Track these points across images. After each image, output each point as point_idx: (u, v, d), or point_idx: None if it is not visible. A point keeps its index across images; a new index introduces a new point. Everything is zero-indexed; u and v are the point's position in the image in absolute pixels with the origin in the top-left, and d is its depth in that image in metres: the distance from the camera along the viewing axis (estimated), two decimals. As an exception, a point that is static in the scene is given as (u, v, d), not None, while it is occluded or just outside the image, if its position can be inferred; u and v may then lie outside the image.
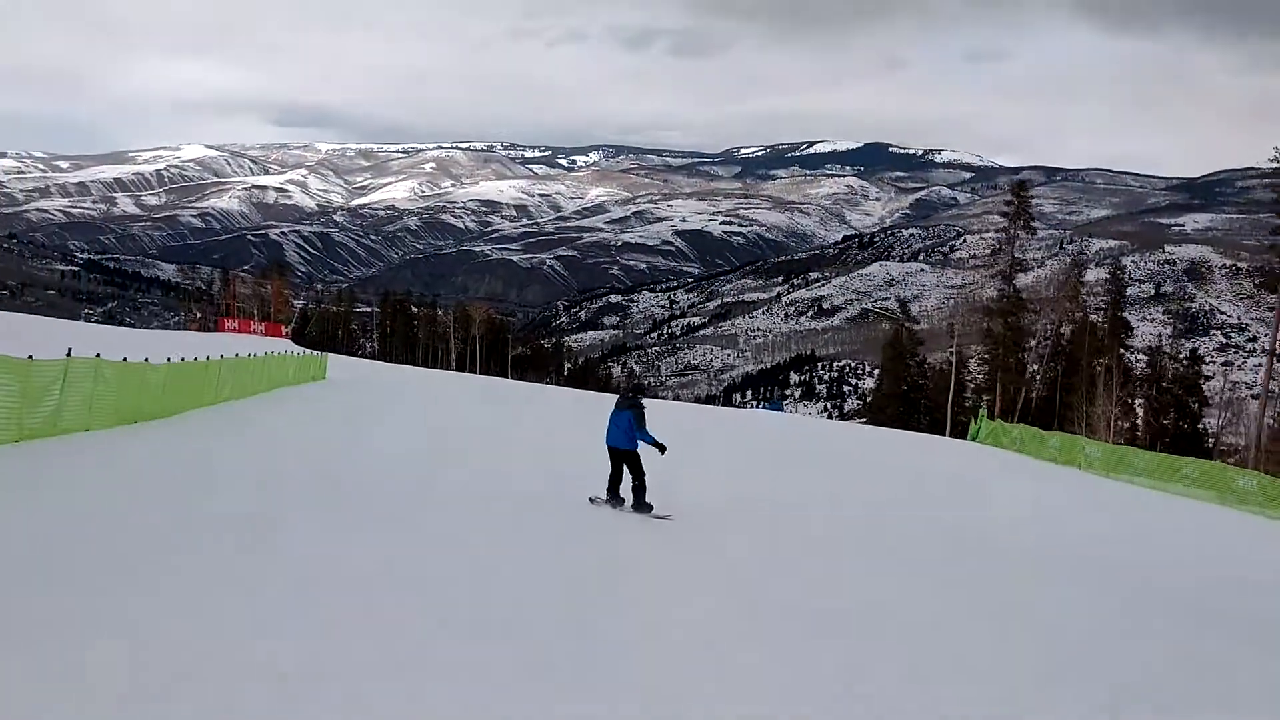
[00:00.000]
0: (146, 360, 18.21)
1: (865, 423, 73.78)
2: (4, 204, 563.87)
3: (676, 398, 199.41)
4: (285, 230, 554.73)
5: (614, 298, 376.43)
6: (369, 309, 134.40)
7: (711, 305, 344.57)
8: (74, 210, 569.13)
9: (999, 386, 59.72)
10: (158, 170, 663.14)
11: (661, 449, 13.53)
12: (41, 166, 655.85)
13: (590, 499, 13.98)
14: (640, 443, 13.52)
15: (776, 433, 37.82)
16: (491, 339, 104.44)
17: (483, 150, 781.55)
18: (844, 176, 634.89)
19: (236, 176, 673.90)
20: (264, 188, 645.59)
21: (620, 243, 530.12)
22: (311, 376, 38.65)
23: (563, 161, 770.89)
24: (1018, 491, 26.63)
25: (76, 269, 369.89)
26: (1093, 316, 63.55)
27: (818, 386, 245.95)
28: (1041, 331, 62.67)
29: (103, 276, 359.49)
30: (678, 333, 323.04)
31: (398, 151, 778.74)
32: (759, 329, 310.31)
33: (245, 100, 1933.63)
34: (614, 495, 13.70)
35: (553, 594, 8.58)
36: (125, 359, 17.06)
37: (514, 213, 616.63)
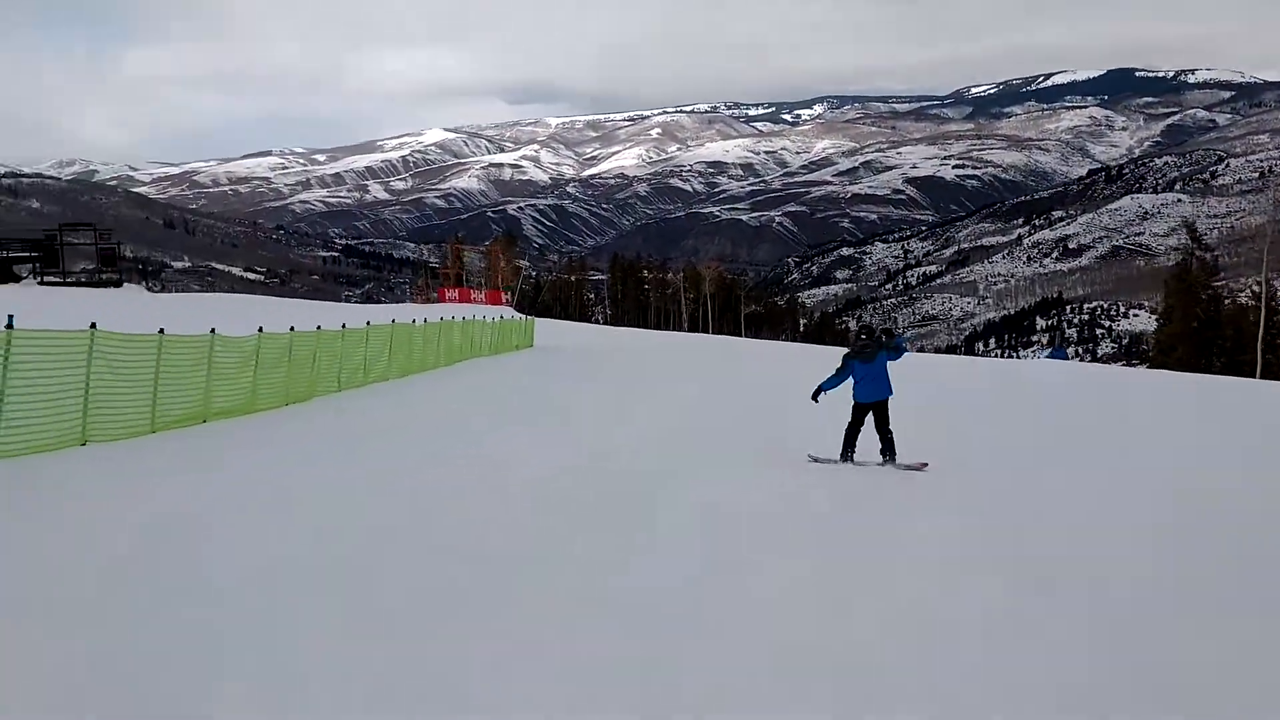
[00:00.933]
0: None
1: (1147, 367, 64.04)
2: (271, 198, 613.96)
3: (920, 349, 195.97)
4: (522, 205, 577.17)
5: (845, 251, 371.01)
6: (602, 276, 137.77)
7: (948, 252, 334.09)
8: (331, 200, 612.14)
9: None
10: (403, 156, 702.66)
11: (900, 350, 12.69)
12: (302, 161, 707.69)
13: (812, 457, 12.55)
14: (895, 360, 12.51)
15: (1067, 388, 29.03)
16: (723, 298, 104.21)
17: (707, 112, 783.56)
18: (1085, 108, 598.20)
19: (475, 157, 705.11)
20: (500, 165, 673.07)
21: (849, 195, 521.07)
22: (515, 345, 37.06)
23: (787, 117, 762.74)
24: None
25: (336, 254, 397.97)
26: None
27: (1067, 331, 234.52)
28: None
29: (359, 260, 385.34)
30: (913, 283, 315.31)
31: (624, 120, 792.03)
32: (999, 274, 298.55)
33: (479, 83, 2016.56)
34: (852, 448, 12.28)
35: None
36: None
37: (740, 172, 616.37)
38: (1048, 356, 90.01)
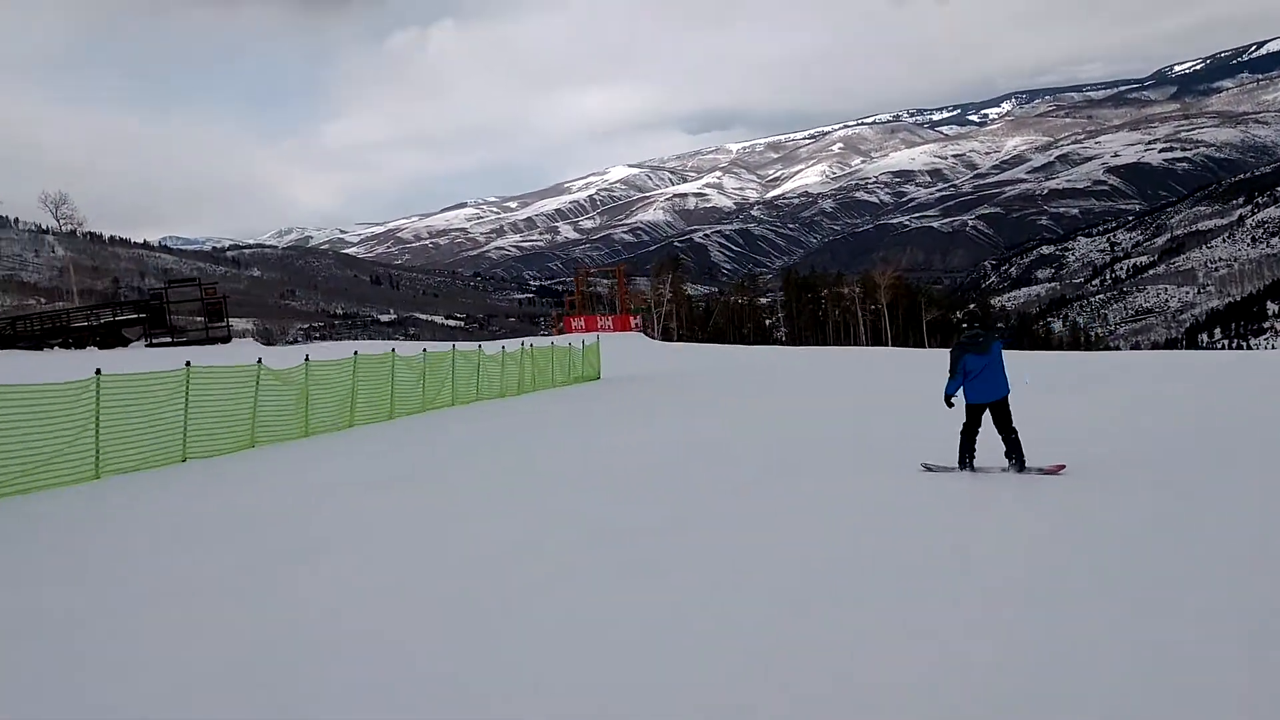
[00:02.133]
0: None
1: None
2: (469, 248, 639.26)
3: (1135, 346, 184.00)
4: (708, 232, 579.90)
5: (1046, 249, 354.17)
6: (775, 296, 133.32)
7: (1159, 241, 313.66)
8: (525, 244, 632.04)
9: None
10: (590, 195, 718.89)
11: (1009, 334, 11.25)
12: (495, 210, 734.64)
13: (926, 466, 11.14)
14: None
15: None
16: (905, 307, 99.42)
17: (888, 121, 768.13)
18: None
19: (659, 189, 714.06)
20: (684, 195, 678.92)
21: (1046, 191, 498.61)
22: (574, 378, 31.43)
23: (973, 118, 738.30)
24: None
25: (531, 295, 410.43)
26: None
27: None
28: None
29: (553, 299, 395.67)
30: (1123, 276, 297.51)
31: (804, 138, 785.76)
32: (1220, 259, 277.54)
33: (657, 117, 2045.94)
34: (971, 453, 10.75)
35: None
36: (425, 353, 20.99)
37: (928, 178, 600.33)
38: None
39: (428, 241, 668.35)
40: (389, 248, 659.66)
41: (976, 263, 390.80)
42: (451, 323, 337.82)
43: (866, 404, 20.88)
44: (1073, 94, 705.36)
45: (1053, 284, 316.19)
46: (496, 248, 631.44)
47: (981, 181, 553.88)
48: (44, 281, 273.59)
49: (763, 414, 19.68)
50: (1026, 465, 10.37)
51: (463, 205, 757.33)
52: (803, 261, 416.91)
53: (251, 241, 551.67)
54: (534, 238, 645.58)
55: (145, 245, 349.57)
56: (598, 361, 33.83)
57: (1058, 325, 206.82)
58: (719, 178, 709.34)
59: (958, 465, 10.81)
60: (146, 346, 52.28)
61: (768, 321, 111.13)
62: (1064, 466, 10.34)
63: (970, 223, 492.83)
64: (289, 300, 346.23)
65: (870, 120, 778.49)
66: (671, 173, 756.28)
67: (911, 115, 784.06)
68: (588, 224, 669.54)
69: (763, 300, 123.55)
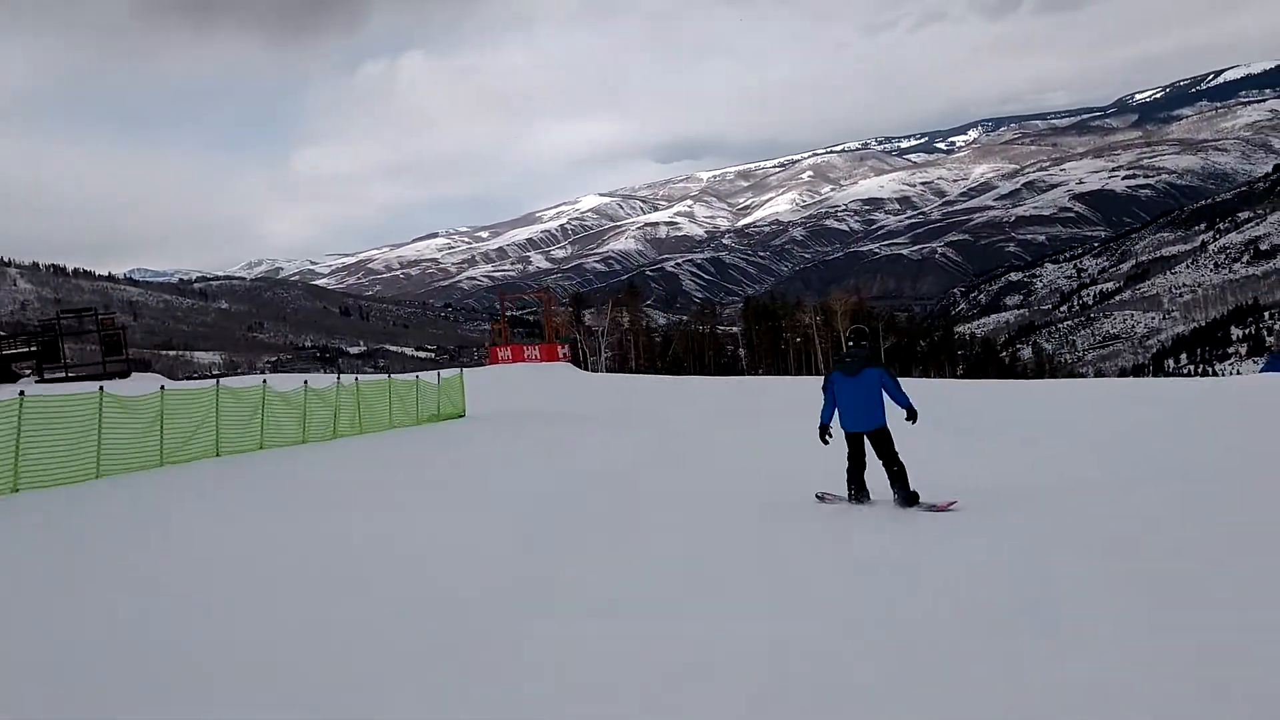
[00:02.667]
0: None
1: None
2: (440, 278, 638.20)
3: (1099, 373, 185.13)
4: (680, 261, 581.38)
5: (1014, 276, 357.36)
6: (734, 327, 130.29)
7: (1125, 267, 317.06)
8: (496, 274, 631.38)
9: None
10: (561, 225, 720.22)
11: (912, 413, 9.74)
12: (467, 239, 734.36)
13: (819, 496, 10.43)
14: (897, 405, 9.79)
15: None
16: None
17: (857, 149, 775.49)
18: (1264, 101, 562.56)
19: (630, 218, 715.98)
20: (655, 224, 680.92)
21: (1013, 218, 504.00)
22: (427, 418, 26.56)
23: (940, 145, 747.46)
24: None
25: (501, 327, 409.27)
26: None
27: (1267, 339, 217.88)
28: None
29: (525, 329, 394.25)
30: (1090, 302, 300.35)
31: (774, 166, 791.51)
32: (1184, 285, 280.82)
33: (628, 146, 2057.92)
34: (859, 486, 10.01)
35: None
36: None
37: (897, 206, 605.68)
38: (1263, 370, 72.96)
39: (399, 272, 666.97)
40: (360, 279, 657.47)
41: (946, 290, 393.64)
42: (422, 354, 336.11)
43: (774, 434, 19.58)
44: (1037, 121, 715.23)
45: (1021, 310, 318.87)
46: (468, 278, 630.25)
47: (950, 209, 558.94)
48: (4, 315, 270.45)
49: (618, 456, 17.24)
50: (919, 500, 9.61)
51: (434, 235, 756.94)
52: (774, 289, 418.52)
53: (221, 273, 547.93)
54: (505, 267, 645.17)
55: (110, 278, 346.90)
56: (461, 398, 29.03)
57: (1026, 352, 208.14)
58: (690, 206, 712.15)
59: (847, 498, 10.11)
60: (37, 382, 47.88)
61: (729, 350, 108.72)
62: (955, 502, 9.59)
63: (939, 250, 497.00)
64: (256, 333, 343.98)
65: (839, 148, 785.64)
66: (643, 202, 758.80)
67: (880, 143, 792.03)
68: (559, 253, 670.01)
69: (729, 329, 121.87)
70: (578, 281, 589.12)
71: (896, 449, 9.73)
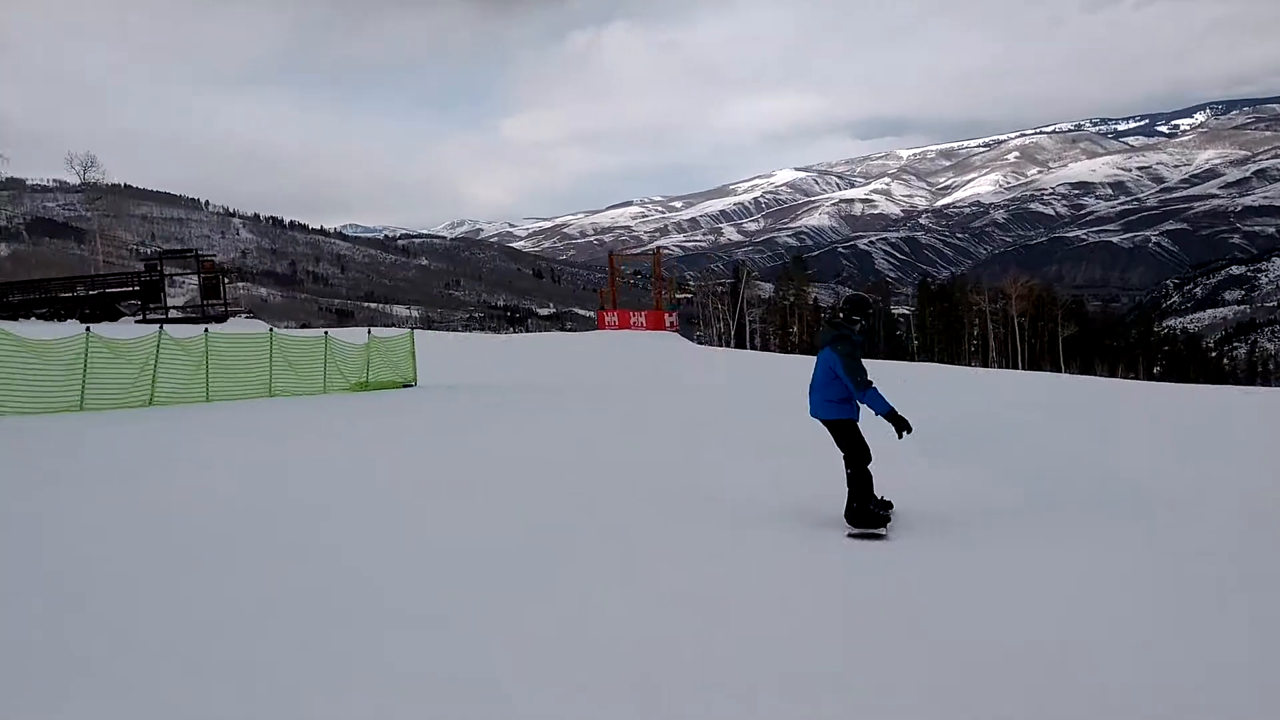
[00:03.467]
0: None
1: None
2: (632, 246, 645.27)
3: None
4: (873, 239, 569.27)
5: (1236, 269, 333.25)
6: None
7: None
8: (688, 244, 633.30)
9: None
10: (755, 198, 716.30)
11: (901, 425, 7.70)
12: (661, 209, 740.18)
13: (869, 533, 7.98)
14: (859, 406, 8.01)
15: None
16: (1051, 321, 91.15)
17: (1069, 130, 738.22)
18: None
19: (825, 193, 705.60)
20: (850, 200, 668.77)
21: (1239, 207, 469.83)
22: (358, 385, 23.44)
23: (1161, 129, 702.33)
24: None
25: (689, 295, 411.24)
26: None
27: None
28: None
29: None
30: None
31: (979, 146, 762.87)
32: None
33: (827, 121, 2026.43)
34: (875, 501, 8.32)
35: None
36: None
37: (1109, 191, 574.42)
38: None
39: (593, 238, 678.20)
40: (555, 242, 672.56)
41: (1158, 281, 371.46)
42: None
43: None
44: (1275, 105, 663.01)
45: (1242, 307, 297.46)
46: (660, 247, 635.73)
47: (1168, 196, 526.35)
48: (228, 261, 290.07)
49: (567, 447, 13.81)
50: (866, 521, 7.93)
51: (629, 204, 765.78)
52: (970, 272, 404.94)
53: (424, 231, 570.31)
54: (697, 238, 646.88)
55: (322, 231, 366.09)
56: (410, 362, 25.37)
57: (1243, 351, 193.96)
58: (887, 184, 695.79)
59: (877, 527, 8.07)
60: (137, 323, 47.89)
61: (899, 334, 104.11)
62: (882, 534, 7.87)
63: (1153, 238, 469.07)
64: (453, 290, 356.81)
65: (1049, 129, 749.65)
66: (839, 177, 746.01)
67: (1094, 125, 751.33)
68: (751, 226, 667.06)
69: (904, 311, 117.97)
70: (768, 255, 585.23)
71: (859, 449, 8.00)
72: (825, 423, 8.05)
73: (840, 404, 7.94)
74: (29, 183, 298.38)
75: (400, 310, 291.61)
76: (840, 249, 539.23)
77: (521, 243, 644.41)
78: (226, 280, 61.36)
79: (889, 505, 8.34)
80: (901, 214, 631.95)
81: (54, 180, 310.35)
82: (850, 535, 7.77)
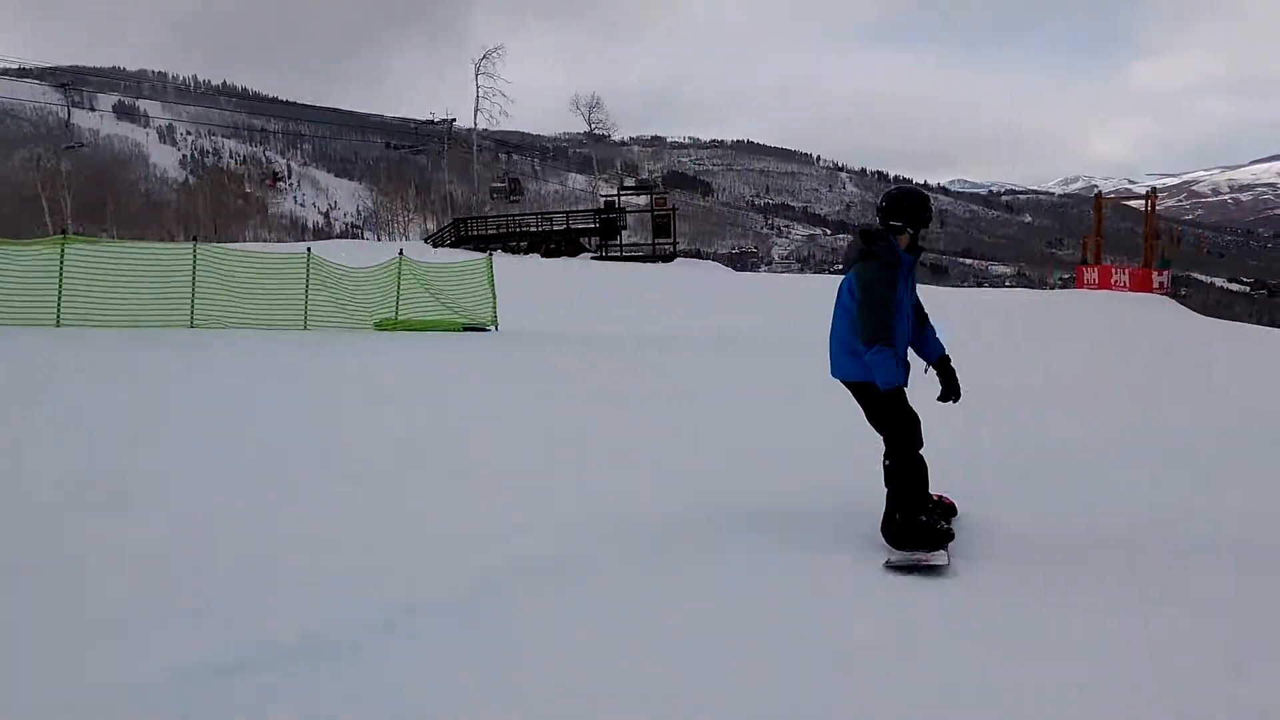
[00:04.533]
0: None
1: None
2: (1276, 205, 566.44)
3: None
4: None
5: None
6: None
7: None
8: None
9: None
10: None
11: (953, 390, 5.35)
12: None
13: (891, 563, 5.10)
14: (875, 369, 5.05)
15: None
16: None
17: None
18: None
19: None
20: None
21: None
22: (402, 324, 18.87)
23: None
24: None
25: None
26: None
27: None
28: None
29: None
30: None
31: None
32: None
33: None
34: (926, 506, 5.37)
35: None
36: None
37: None
38: None
39: (1227, 196, 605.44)
40: (1180, 200, 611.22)
41: None
42: (1234, 287, 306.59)
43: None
44: None
45: None
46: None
47: None
48: (831, 214, 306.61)
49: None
50: (911, 540, 5.05)
51: (1276, 158, 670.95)
52: None
53: (1032, 187, 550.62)
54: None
55: (924, 186, 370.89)
56: (490, 303, 19.90)
57: None
58: None
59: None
60: (592, 259, 50.60)
61: None
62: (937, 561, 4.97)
63: None
64: (1055, 249, 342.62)
65: None
66: None
67: None
68: None
69: None
70: None
71: (903, 425, 5.13)
72: (848, 385, 5.34)
73: (857, 362, 5.20)
74: (668, 140, 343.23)
75: (997, 267, 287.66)
76: None
77: (1139, 201, 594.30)
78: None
79: (953, 513, 5.64)
80: None
81: (689, 137, 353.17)
82: (890, 565, 4.91)
